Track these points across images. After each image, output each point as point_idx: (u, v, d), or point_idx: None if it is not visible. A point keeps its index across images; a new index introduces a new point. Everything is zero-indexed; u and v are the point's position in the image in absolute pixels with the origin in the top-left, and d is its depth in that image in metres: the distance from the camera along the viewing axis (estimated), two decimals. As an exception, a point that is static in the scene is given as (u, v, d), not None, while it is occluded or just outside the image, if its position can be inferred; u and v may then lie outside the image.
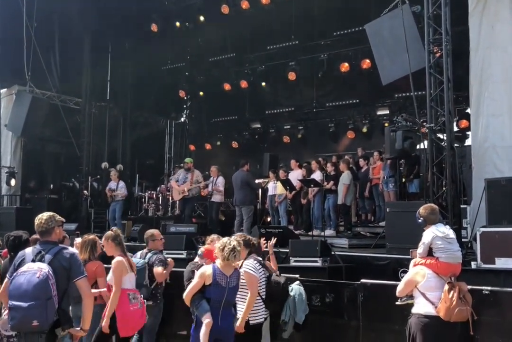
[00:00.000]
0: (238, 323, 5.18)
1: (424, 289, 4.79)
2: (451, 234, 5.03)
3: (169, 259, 6.51)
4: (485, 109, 8.09)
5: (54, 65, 15.42)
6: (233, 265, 5.13)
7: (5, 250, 5.76)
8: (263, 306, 5.40)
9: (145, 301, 6.02)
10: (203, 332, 5.02)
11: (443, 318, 4.64)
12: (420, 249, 5.00)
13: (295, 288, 5.77)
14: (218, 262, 5.15)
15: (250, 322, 5.24)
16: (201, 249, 6.03)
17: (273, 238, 6.34)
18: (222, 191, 12.14)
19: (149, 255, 6.28)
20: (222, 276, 5.03)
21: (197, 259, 6.08)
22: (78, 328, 4.31)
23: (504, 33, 7.99)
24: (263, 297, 5.42)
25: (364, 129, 15.71)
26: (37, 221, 4.33)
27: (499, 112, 7.97)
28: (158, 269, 6.20)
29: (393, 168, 11.16)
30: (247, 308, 5.17)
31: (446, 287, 4.73)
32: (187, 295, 5.16)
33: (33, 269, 4.04)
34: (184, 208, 12.42)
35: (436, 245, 4.89)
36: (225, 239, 5.16)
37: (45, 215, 4.35)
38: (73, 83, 15.77)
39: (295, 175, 12.19)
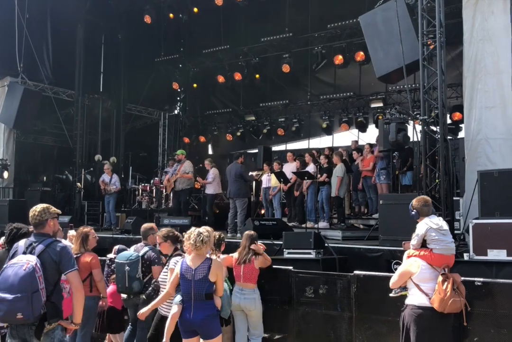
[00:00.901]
0: (142, 310, 5.37)
1: (418, 281, 4.82)
2: (445, 225, 5.05)
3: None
4: (478, 101, 8.10)
5: (46, 57, 15.34)
6: (203, 254, 5.10)
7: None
8: None
9: (139, 294, 6.06)
10: (168, 323, 5.12)
11: (437, 309, 4.67)
12: (414, 240, 5.02)
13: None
14: (188, 254, 5.17)
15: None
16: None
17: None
18: (211, 182, 12.05)
19: (145, 249, 6.26)
20: (188, 268, 5.05)
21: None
22: (70, 321, 4.31)
23: (497, 25, 7.98)
24: None
25: (358, 122, 15.70)
26: (31, 213, 4.31)
27: (491, 104, 7.98)
28: (158, 268, 6.22)
29: (385, 161, 11.19)
30: (159, 300, 5.31)
31: (440, 278, 4.75)
32: (168, 288, 5.24)
33: (21, 261, 4.03)
34: (178, 201, 12.39)
35: (430, 237, 4.91)
36: (191, 229, 5.18)
37: (38, 207, 4.33)
38: (66, 75, 15.69)
39: (290, 168, 12.21)
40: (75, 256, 5.92)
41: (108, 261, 6.98)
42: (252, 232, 6.43)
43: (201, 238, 5.00)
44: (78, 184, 14.86)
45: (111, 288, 6.48)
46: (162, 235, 5.84)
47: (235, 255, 6.28)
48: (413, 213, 5.12)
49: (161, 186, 14.43)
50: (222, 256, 6.27)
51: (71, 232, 7.58)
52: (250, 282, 6.12)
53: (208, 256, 5.23)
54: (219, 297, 5.17)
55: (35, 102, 14.17)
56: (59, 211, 4.46)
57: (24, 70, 13.81)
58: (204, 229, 5.14)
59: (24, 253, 4.13)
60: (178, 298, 5.15)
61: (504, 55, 7.76)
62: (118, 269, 6.11)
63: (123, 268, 6.03)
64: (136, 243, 6.53)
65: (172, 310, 5.14)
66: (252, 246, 6.25)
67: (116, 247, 7.03)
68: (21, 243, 4.25)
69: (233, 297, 6.10)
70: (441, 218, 5.24)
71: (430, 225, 4.94)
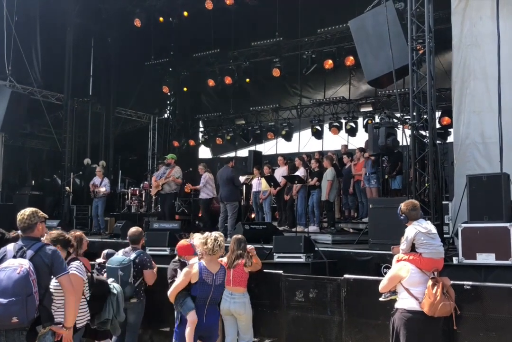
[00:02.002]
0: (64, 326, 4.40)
1: (408, 285, 4.83)
2: (433, 229, 5.07)
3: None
4: (467, 106, 8.16)
5: (35, 60, 15.26)
6: (218, 260, 5.14)
7: None
8: (87, 308, 4.99)
9: (130, 298, 6.03)
10: (189, 330, 5.03)
11: (427, 313, 4.68)
12: (404, 245, 5.02)
13: (116, 286, 5.62)
14: (203, 259, 5.15)
15: (77, 325, 4.69)
16: (176, 249, 6.07)
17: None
18: (202, 188, 12.02)
19: (136, 253, 6.22)
20: (208, 273, 5.05)
21: (177, 257, 6.09)
22: (61, 325, 4.27)
23: (485, 31, 8.05)
24: (88, 298, 5.03)
25: (348, 126, 15.76)
26: (19, 216, 4.26)
27: (480, 109, 8.05)
28: (152, 272, 6.19)
29: (374, 165, 11.23)
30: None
31: (430, 282, 4.76)
32: (171, 293, 5.17)
33: (13, 265, 3.98)
34: (163, 205, 12.33)
35: (419, 241, 4.92)
36: (205, 234, 5.18)
37: (27, 211, 4.29)
38: (55, 78, 15.62)
39: (280, 172, 12.21)
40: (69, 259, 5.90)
41: (97, 266, 6.92)
42: (240, 236, 6.41)
43: (218, 243, 5.06)
44: (67, 187, 14.77)
45: None
46: (51, 239, 4.95)
47: (224, 259, 6.26)
48: (401, 217, 5.13)
49: (150, 189, 14.39)
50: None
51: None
52: (240, 285, 6.09)
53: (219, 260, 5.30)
54: None
55: (24, 106, 14.05)
56: (46, 215, 4.43)
57: (12, 73, 13.73)
58: (218, 234, 5.21)
59: (14, 256, 4.09)
60: (190, 303, 5.09)
61: (492, 61, 7.83)
62: (111, 274, 6.07)
63: (116, 272, 5.99)
64: (125, 247, 6.49)
65: (191, 317, 5.05)
66: (249, 248, 6.25)
67: (105, 252, 6.98)
68: (10, 247, 4.20)
69: (223, 302, 6.07)
70: (429, 222, 5.26)
71: (419, 229, 4.95)
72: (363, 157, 11.72)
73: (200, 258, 5.39)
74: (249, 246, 6.29)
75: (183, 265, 5.70)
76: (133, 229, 6.50)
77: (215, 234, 5.18)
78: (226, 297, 6.07)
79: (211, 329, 5.10)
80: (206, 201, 12.14)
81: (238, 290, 6.08)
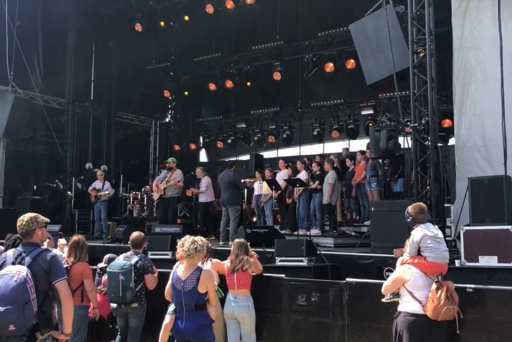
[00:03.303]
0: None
1: (412, 288, 4.81)
2: (440, 233, 5.05)
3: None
4: (468, 108, 8.15)
5: (37, 65, 15.31)
6: (194, 264, 5.07)
7: None
8: None
9: (130, 303, 6.02)
10: (162, 333, 5.15)
11: (431, 317, 4.66)
12: (410, 248, 5.00)
13: None
14: (181, 264, 5.16)
15: None
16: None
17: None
18: (205, 191, 12.03)
19: (137, 257, 6.21)
20: (178, 279, 5.05)
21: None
22: (60, 331, 4.25)
23: (486, 33, 8.05)
24: None
25: (349, 129, 15.76)
26: (18, 222, 4.23)
27: (481, 111, 8.04)
28: (153, 276, 6.19)
29: (374, 168, 11.22)
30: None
31: (434, 286, 4.75)
32: (166, 297, 5.28)
33: (11, 272, 3.95)
34: (166, 209, 12.32)
35: (424, 244, 4.90)
36: (185, 237, 5.17)
37: (26, 217, 4.25)
38: (56, 83, 15.64)
39: (282, 175, 12.22)
40: (71, 264, 5.91)
41: (98, 270, 6.93)
42: (243, 240, 6.42)
43: (195, 246, 4.99)
44: (69, 192, 14.77)
45: (98, 297, 6.43)
46: None
47: (227, 263, 6.25)
48: (408, 220, 5.11)
49: (152, 194, 14.39)
50: (214, 260, 6.24)
51: (62, 241, 7.54)
52: (245, 287, 6.08)
53: (199, 264, 5.22)
54: (213, 306, 5.15)
55: (26, 111, 14.09)
56: (47, 220, 4.38)
57: (14, 78, 13.75)
58: (199, 238, 5.15)
59: (13, 263, 4.06)
60: (172, 307, 5.14)
61: (493, 63, 7.83)
62: (112, 278, 6.07)
63: (118, 277, 5.99)
64: (125, 252, 6.48)
65: (165, 320, 5.13)
66: (252, 253, 6.26)
67: (107, 256, 6.99)
68: (9, 253, 4.18)
69: (226, 305, 6.07)
70: (436, 226, 5.24)
71: (426, 232, 4.93)
72: (364, 160, 11.71)
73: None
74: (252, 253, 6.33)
75: None
76: (136, 233, 6.49)
77: (195, 237, 5.11)
78: (229, 301, 6.07)
79: (195, 335, 4.98)
80: (205, 205, 12.16)
81: (242, 292, 6.07)
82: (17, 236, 5.18)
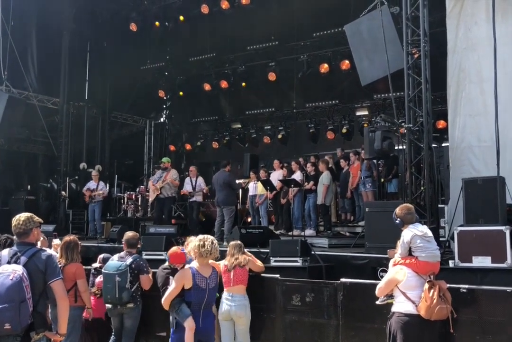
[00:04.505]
0: None
1: (405, 288, 4.83)
2: (429, 232, 5.08)
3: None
4: (462, 109, 8.19)
5: (31, 65, 15.26)
6: (207, 262, 5.10)
7: None
8: None
9: (126, 304, 6.01)
10: (188, 336, 5.01)
11: (424, 317, 4.69)
12: (401, 249, 5.03)
13: None
14: (195, 264, 5.13)
15: None
16: (167, 256, 5.85)
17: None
18: (207, 190, 12.09)
19: (132, 258, 6.20)
20: (202, 278, 5.02)
21: (167, 264, 5.94)
22: (55, 332, 4.24)
23: (480, 34, 8.10)
24: None
25: (344, 130, 15.78)
26: (14, 222, 4.21)
27: (475, 112, 8.08)
28: (148, 277, 6.18)
29: (370, 169, 11.24)
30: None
31: (426, 285, 4.77)
32: (165, 300, 5.15)
33: (7, 271, 3.95)
34: (161, 209, 12.31)
35: (415, 244, 4.93)
36: (200, 236, 5.16)
37: (22, 216, 4.24)
38: (50, 82, 15.62)
39: (276, 175, 12.22)
40: (63, 265, 5.89)
41: (93, 270, 6.91)
42: (238, 241, 6.44)
43: (215, 246, 5.05)
44: (63, 192, 14.73)
45: (93, 300, 6.42)
46: None
47: (224, 262, 6.26)
48: (397, 221, 5.14)
49: (147, 194, 14.36)
50: (210, 261, 6.23)
51: (56, 241, 7.51)
52: (241, 283, 6.08)
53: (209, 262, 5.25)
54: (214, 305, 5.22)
55: (20, 110, 14.01)
56: (41, 220, 4.39)
57: (8, 78, 13.69)
58: (212, 237, 5.19)
59: (9, 262, 4.06)
60: (186, 308, 5.04)
61: (487, 64, 7.86)
62: (108, 280, 6.05)
63: (114, 278, 5.98)
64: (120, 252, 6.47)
65: (188, 323, 5.00)
66: (248, 254, 6.30)
67: (101, 256, 6.98)
68: (4, 253, 4.17)
69: (221, 305, 6.06)
70: (425, 226, 5.27)
71: (415, 232, 4.97)
72: (358, 161, 11.73)
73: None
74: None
75: (174, 271, 5.58)
76: (131, 233, 6.48)
77: (209, 236, 5.17)
78: (225, 300, 6.04)
79: (208, 333, 5.09)
80: (199, 204, 12.17)
81: (239, 289, 6.06)
82: (7, 235, 5.18)
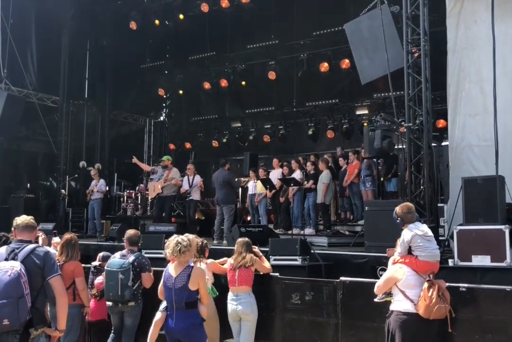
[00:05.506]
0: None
1: (404, 287, 4.84)
2: (429, 231, 5.08)
3: None
4: (462, 109, 8.19)
5: (31, 63, 15.24)
6: (185, 262, 5.04)
7: None
8: None
9: (128, 302, 6.01)
10: (152, 330, 5.12)
11: (423, 316, 4.69)
12: (400, 247, 5.03)
13: None
14: (171, 263, 5.15)
15: None
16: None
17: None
18: (203, 188, 12.08)
19: (134, 256, 6.20)
20: (169, 277, 5.04)
21: None
22: (54, 328, 4.25)
23: (480, 34, 8.09)
24: None
25: (344, 129, 15.78)
26: (21, 219, 4.33)
27: (475, 111, 8.08)
28: (149, 275, 6.18)
29: (369, 168, 11.24)
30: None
31: (426, 285, 4.78)
32: (159, 296, 5.26)
33: (4, 267, 3.97)
34: (162, 207, 12.30)
35: (415, 243, 4.93)
36: (171, 237, 5.14)
37: (28, 216, 4.37)
38: (50, 81, 15.59)
39: (276, 174, 12.21)
40: (62, 262, 5.89)
41: (92, 269, 6.91)
42: (246, 239, 6.41)
43: (178, 248, 4.93)
44: (62, 190, 14.73)
45: (92, 302, 6.43)
46: None
47: (230, 260, 6.25)
48: (398, 221, 5.14)
49: (147, 192, 14.35)
50: (208, 261, 6.24)
51: (55, 239, 7.51)
52: (246, 284, 6.07)
53: (191, 263, 5.17)
54: (204, 305, 5.13)
55: (19, 108, 14.03)
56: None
57: (8, 76, 13.70)
58: (185, 237, 5.09)
59: (6, 259, 4.08)
60: (163, 305, 5.14)
61: (487, 64, 7.86)
62: (110, 277, 6.05)
63: (117, 276, 5.98)
64: (121, 250, 6.46)
65: (156, 317, 5.12)
66: (256, 250, 6.30)
67: (101, 254, 6.98)
68: (2, 250, 4.20)
69: (228, 306, 6.06)
70: (425, 225, 5.28)
71: (415, 231, 4.97)
72: (357, 160, 11.73)
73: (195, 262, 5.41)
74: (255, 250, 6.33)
75: None
76: (132, 231, 6.49)
77: (180, 237, 5.05)
78: (230, 300, 6.04)
79: (185, 334, 4.96)
80: (196, 203, 12.17)
81: (243, 289, 6.05)
82: (3, 233, 5.19)
